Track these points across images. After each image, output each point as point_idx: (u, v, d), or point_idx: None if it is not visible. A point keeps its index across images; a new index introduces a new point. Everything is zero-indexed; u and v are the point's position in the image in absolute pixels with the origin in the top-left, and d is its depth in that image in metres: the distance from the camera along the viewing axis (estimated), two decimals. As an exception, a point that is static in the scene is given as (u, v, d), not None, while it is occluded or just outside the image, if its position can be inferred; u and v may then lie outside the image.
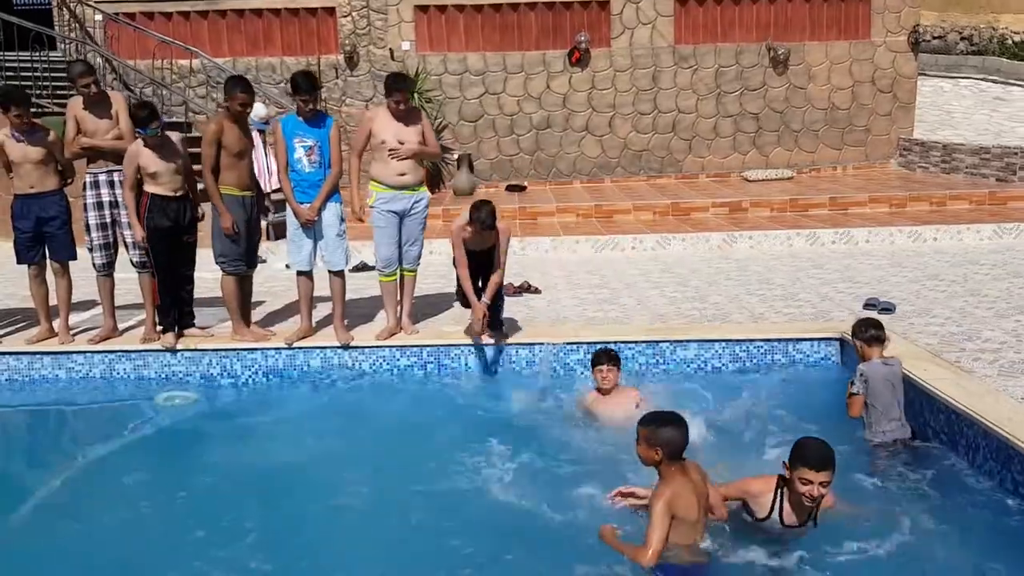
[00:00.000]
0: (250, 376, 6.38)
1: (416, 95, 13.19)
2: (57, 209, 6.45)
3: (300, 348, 6.42)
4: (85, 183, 6.40)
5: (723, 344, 6.10)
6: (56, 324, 6.59)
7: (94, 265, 6.52)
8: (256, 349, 6.38)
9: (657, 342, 6.12)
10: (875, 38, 13.67)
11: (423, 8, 13.50)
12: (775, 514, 3.74)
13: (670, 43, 13.51)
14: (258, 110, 10.54)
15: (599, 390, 5.38)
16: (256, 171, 10.53)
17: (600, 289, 7.93)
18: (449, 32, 13.59)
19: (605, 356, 5.36)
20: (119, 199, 6.37)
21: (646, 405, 5.18)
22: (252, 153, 10.55)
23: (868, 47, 13.68)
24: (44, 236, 6.47)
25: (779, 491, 3.74)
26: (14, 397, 6.33)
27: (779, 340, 6.09)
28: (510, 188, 13.65)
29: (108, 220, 6.46)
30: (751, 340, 6.08)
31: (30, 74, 11.26)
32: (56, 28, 12.96)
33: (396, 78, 6.31)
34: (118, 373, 6.38)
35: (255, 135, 10.51)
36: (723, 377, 6.03)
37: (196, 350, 6.35)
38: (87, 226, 6.43)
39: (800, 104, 13.73)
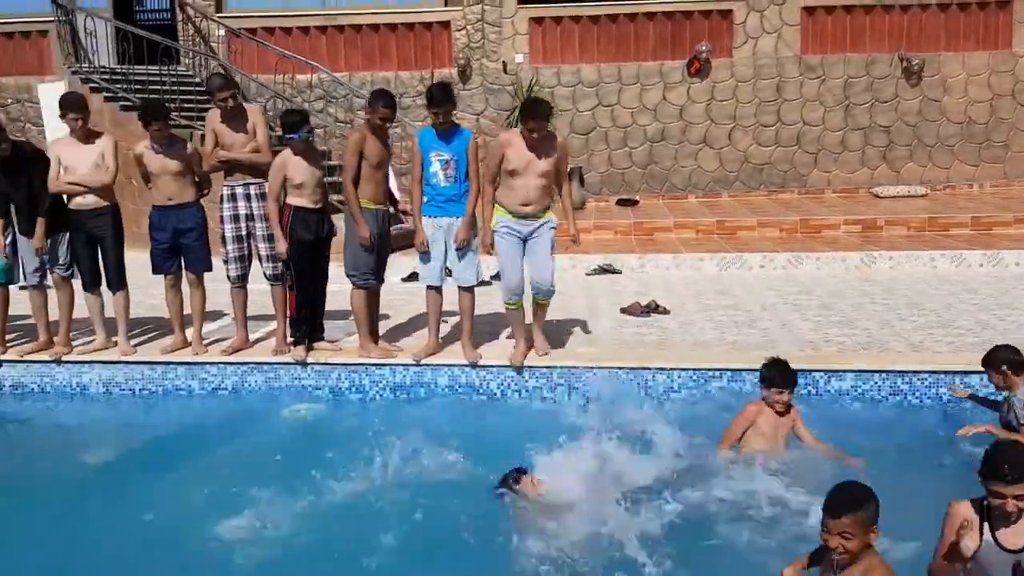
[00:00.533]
0: (377, 392, 6.24)
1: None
2: (194, 220, 6.46)
3: (428, 365, 6.26)
4: (222, 195, 6.39)
5: (883, 376, 5.64)
6: (189, 334, 6.60)
7: (229, 277, 6.50)
8: (384, 365, 6.23)
9: (809, 371, 5.70)
10: (1016, 48, 12.82)
11: (538, 20, 13.34)
12: (987, 536, 3.14)
13: (796, 53, 12.97)
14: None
15: (769, 404, 4.89)
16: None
17: (734, 311, 7.53)
18: (563, 44, 13.38)
19: (781, 378, 4.86)
20: (255, 212, 6.34)
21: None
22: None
23: (1009, 58, 12.84)
24: (180, 247, 6.49)
25: (983, 511, 3.17)
26: (148, 408, 6.36)
27: (945, 372, 5.59)
28: (621, 202, 13.31)
29: (244, 232, 6.43)
30: (915, 372, 5.60)
31: (158, 88, 11.52)
32: (180, 43, 13.30)
33: (533, 105, 5.95)
34: (250, 385, 6.34)
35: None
36: (882, 411, 5.58)
37: (326, 364, 6.25)
38: (223, 238, 6.41)
39: (934, 117, 12.97)
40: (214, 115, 6.33)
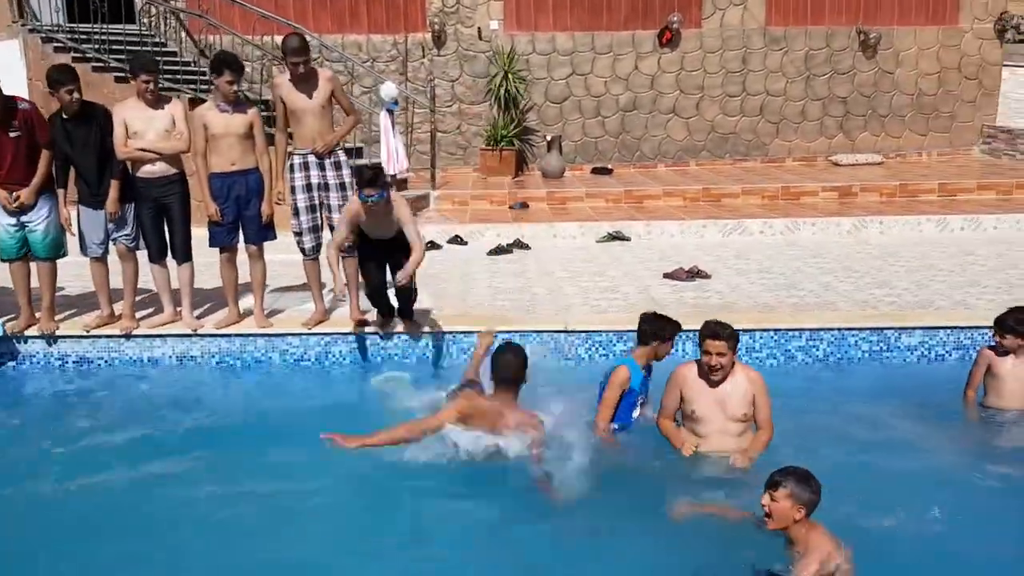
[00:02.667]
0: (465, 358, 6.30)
1: (508, 76, 13.06)
2: (258, 187, 6.26)
3: (530, 331, 6.29)
4: (292, 164, 6.23)
5: (948, 332, 6.12)
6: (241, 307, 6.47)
7: (303, 250, 6.37)
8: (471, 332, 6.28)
9: (881, 329, 6.13)
10: (963, 24, 13.70)
11: (512, -14, 13.32)
12: None
13: (761, 25, 13.46)
14: (388, 90, 10.41)
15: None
16: (385, 156, 10.47)
17: (767, 274, 7.90)
18: (537, 11, 13.43)
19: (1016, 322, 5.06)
20: (329, 180, 6.22)
21: None
22: (382, 136, 10.52)
23: (956, 33, 13.70)
24: (242, 217, 6.29)
25: None
26: (227, 381, 6.21)
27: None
28: (596, 171, 13.57)
29: (316, 202, 6.31)
30: (977, 328, 6.08)
31: (137, 47, 10.96)
32: (138, 2, 12.62)
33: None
34: (333, 356, 6.28)
35: (384, 116, 10.42)
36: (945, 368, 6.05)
37: (413, 335, 6.26)
38: (295, 209, 6.28)
39: (888, 89, 13.74)
40: (283, 79, 6.14)
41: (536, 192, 11.71)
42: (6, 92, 5.96)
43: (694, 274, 7.75)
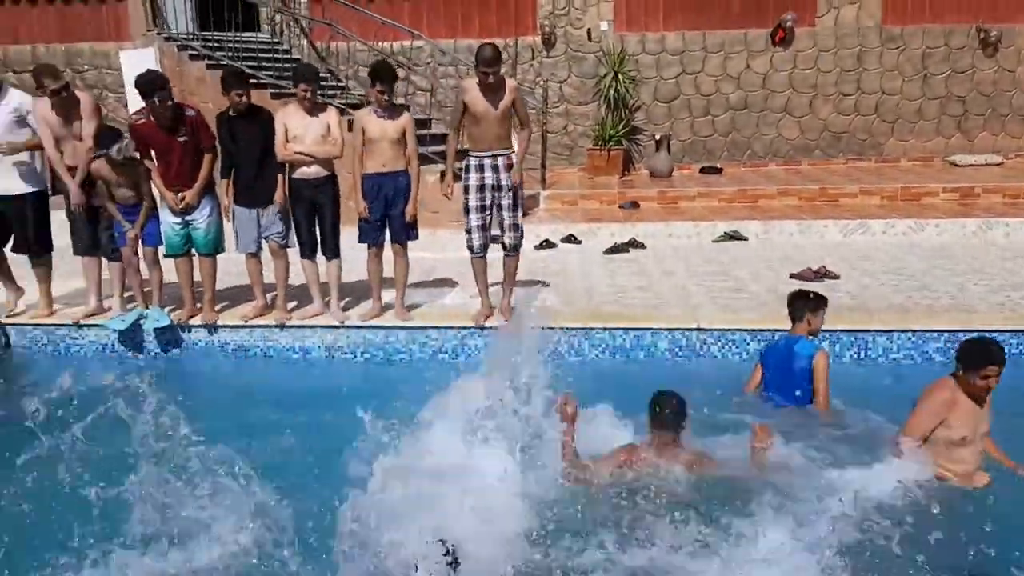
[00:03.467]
0: (597, 353, 6.48)
1: (618, 76, 13.20)
2: (406, 188, 6.57)
3: (647, 329, 6.45)
4: (467, 165, 6.48)
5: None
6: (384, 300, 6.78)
7: (471, 248, 6.60)
8: (604, 329, 6.46)
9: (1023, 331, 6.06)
10: (1091, 20, 13.20)
11: (623, -13, 13.44)
12: None
13: (877, 23, 13.24)
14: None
15: None
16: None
17: (896, 275, 7.83)
18: (648, 11, 13.51)
19: None
20: (501, 183, 6.44)
21: None
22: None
23: (1083, 30, 13.21)
24: (389, 216, 6.61)
25: None
26: (368, 371, 6.54)
27: None
28: (704, 170, 13.57)
29: (488, 203, 6.51)
30: None
31: (269, 57, 11.51)
32: (265, 11, 13.23)
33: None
34: (469, 349, 6.54)
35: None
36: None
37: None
38: (467, 208, 6.52)
39: (1009, 88, 13.34)
40: (471, 85, 6.38)
41: (646, 192, 11.81)
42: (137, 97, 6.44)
43: (822, 274, 7.75)
